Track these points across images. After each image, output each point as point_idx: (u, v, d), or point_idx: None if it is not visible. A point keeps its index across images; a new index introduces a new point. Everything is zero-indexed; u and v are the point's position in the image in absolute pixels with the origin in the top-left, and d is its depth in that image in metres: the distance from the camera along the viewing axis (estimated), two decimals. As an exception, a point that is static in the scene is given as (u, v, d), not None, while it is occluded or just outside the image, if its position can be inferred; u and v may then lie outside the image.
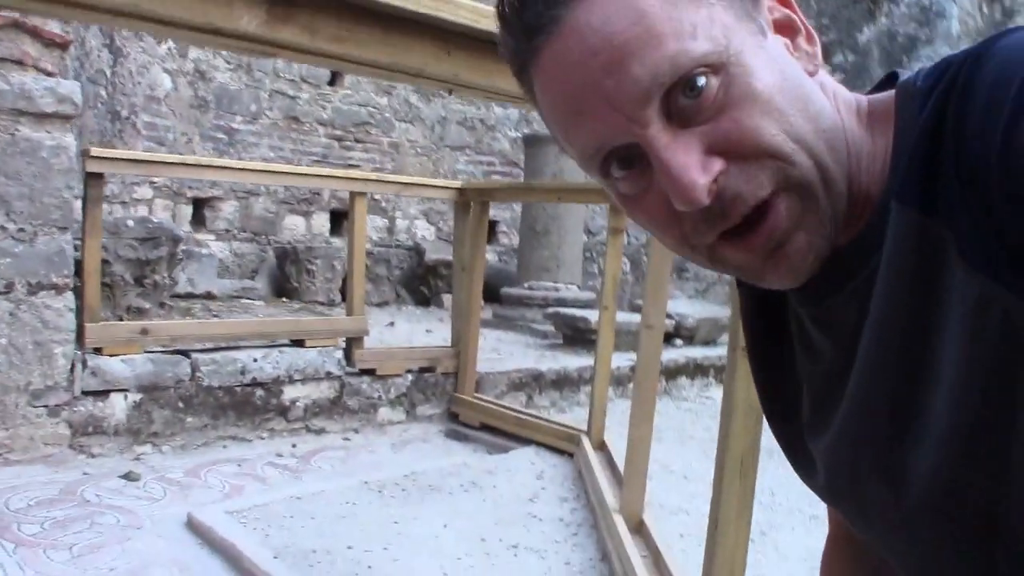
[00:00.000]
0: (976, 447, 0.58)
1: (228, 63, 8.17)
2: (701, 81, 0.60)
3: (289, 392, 4.48)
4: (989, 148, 0.53)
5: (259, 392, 4.37)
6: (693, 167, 0.60)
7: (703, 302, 8.21)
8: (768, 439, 1.11)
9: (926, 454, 0.61)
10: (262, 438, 4.36)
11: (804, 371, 0.78)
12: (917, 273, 0.60)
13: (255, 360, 4.35)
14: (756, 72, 0.61)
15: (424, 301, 9.04)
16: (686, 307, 6.73)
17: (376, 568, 2.85)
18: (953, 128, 0.57)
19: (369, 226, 7.22)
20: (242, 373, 4.30)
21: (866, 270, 0.65)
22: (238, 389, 4.29)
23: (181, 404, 4.09)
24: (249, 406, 4.33)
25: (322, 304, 7.79)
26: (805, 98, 0.63)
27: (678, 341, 6.76)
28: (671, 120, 0.61)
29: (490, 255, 8.94)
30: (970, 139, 0.55)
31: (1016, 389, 0.54)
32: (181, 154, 7.50)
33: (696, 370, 6.39)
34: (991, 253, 0.54)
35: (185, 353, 4.18)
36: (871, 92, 0.73)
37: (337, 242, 8.79)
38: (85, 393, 3.80)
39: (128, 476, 3.63)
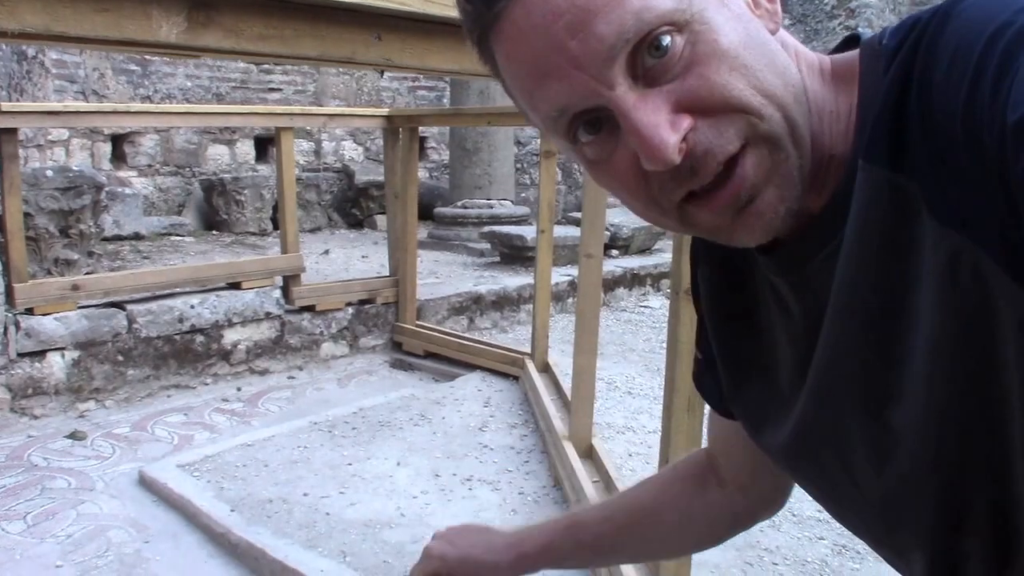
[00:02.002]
0: (958, 398, 0.59)
1: (134, -10, 7.80)
2: (666, 40, 0.59)
3: (229, 336, 4.44)
4: (954, 107, 0.54)
5: (199, 338, 4.32)
6: (663, 126, 0.59)
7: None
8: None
9: (908, 407, 0.63)
10: (206, 384, 4.34)
11: (782, 336, 0.79)
12: (887, 229, 0.60)
13: (192, 306, 4.29)
14: (720, 29, 0.60)
15: (357, 224, 8.96)
16: (620, 217, 6.72)
17: (334, 514, 2.89)
18: (919, 86, 0.57)
19: (296, 150, 7.03)
20: (180, 321, 4.24)
21: (841, 233, 0.65)
22: (177, 337, 4.24)
23: (121, 357, 4.03)
24: (190, 353, 4.30)
25: (254, 234, 7.67)
26: (770, 54, 0.63)
27: (614, 252, 6.80)
28: (637, 81, 0.60)
29: (421, 172, 8.83)
30: (936, 98, 0.56)
31: (993, 342, 0.56)
32: (95, 91, 7.23)
33: (633, 280, 6.47)
34: (960, 209, 0.55)
35: (120, 305, 4.10)
36: (832, 53, 0.72)
37: (264, 170, 8.60)
38: (21, 355, 3.73)
39: (74, 435, 3.60)
